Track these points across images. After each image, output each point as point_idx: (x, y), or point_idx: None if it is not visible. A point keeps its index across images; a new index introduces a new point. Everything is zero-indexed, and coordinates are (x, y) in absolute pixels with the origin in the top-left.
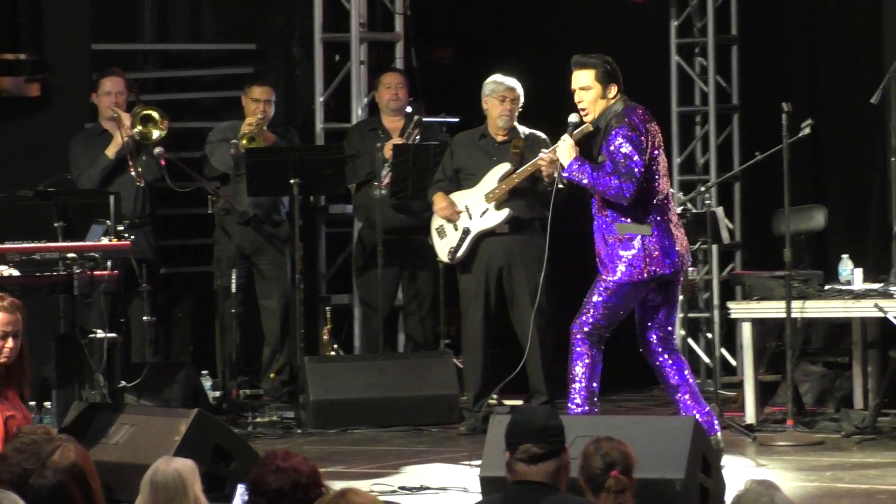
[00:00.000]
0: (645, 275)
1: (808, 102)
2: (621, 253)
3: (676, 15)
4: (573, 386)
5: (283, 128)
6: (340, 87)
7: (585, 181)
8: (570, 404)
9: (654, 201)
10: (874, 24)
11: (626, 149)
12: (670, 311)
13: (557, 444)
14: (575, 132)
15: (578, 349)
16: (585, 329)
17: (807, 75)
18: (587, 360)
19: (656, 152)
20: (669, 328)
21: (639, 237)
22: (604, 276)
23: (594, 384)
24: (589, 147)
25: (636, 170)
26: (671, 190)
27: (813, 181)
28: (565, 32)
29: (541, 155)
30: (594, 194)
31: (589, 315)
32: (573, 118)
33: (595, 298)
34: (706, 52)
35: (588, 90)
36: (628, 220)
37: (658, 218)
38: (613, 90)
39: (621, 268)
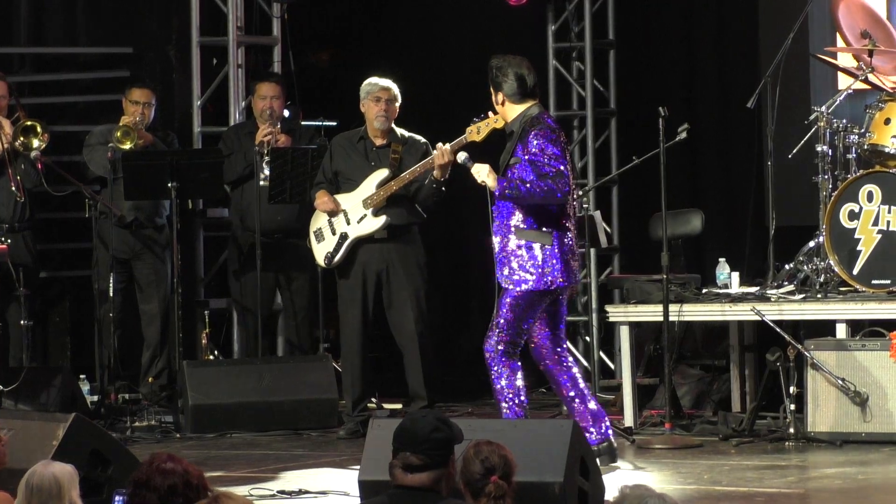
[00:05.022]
0: (543, 284)
1: (684, 107)
2: (521, 262)
3: (554, 19)
4: (502, 405)
5: (163, 131)
6: (218, 91)
7: (522, 195)
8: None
9: (557, 212)
10: (750, 30)
11: (552, 150)
12: (556, 314)
13: (437, 458)
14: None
15: (496, 368)
16: (500, 348)
17: (683, 80)
18: (509, 376)
19: (567, 161)
20: (559, 332)
21: (538, 245)
22: (506, 289)
23: (521, 396)
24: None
25: (562, 168)
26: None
27: (690, 185)
28: (443, 35)
29: (430, 156)
30: (526, 203)
31: (499, 334)
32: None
33: (501, 318)
34: (583, 56)
35: None
36: (531, 227)
37: (560, 229)
38: None
39: (523, 276)
